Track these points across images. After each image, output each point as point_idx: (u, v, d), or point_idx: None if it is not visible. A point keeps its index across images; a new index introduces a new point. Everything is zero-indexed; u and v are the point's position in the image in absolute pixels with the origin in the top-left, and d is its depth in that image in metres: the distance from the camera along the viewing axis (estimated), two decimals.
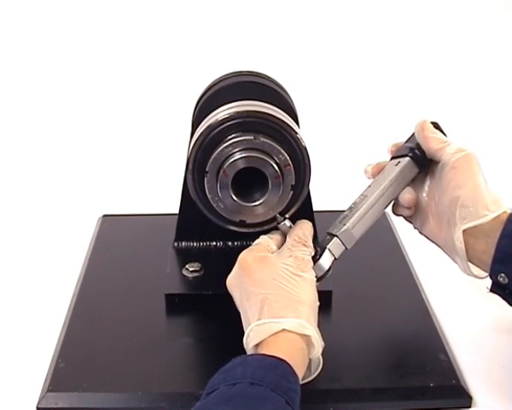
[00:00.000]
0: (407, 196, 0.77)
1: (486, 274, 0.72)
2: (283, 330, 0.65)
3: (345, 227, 0.74)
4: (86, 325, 0.82)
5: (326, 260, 0.74)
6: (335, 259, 0.75)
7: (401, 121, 1.33)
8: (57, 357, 0.77)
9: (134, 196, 1.13)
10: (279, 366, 0.62)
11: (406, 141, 0.81)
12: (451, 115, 1.27)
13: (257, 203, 0.76)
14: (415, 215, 0.80)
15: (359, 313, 0.84)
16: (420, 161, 0.77)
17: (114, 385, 0.73)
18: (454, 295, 0.89)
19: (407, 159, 0.77)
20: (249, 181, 0.75)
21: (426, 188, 0.78)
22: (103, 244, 0.98)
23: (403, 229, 0.98)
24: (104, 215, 1.05)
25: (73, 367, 0.76)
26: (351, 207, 0.77)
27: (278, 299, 0.68)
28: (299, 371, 0.64)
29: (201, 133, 0.75)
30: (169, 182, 0.99)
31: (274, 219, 0.78)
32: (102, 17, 1.53)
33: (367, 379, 0.74)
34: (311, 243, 0.74)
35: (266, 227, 0.80)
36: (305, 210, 0.82)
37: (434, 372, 0.75)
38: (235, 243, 0.90)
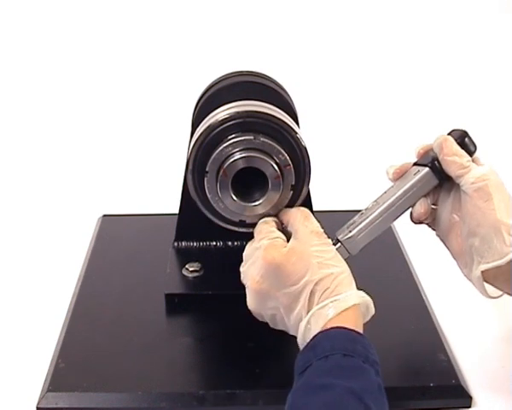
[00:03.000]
0: (418, 209, 0.74)
1: (501, 293, 0.71)
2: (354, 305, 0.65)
3: (350, 234, 0.74)
4: (86, 325, 0.82)
5: None
6: None
7: (401, 121, 1.35)
8: (57, 357, 0.77)
9: (134, 196, 1.13)
10: (360, 340, 0.62)
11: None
12: (450, 115, 1.27)
13: (257, 203, 0.76)
14: (437, 225, 0.76)
15: None
16: (440, 173, 0.73)
17: (114, 385, 0.73)
18: (454, 296, 0.89)
19: (426, 170, 0.73)
20: (249, 181, 0.75)
21: (450, 200, 0.74)
22: (103, 244, 0.98)
23: (403, 229, 0.98)
24: (104, 215, 1.05)
25: (73, 367, 0.76)
26: (361, 213, 0.75)
27: (327, 280, 0.66)
28: None
29: (201, 133, 0.75)
30: (169, 182, 0.99)
31: None
32: (102, 17, 1.53)
33: None
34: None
35: None
36: None
37: (434, 372, 0.75)
38: (235, 243, 0.90)
